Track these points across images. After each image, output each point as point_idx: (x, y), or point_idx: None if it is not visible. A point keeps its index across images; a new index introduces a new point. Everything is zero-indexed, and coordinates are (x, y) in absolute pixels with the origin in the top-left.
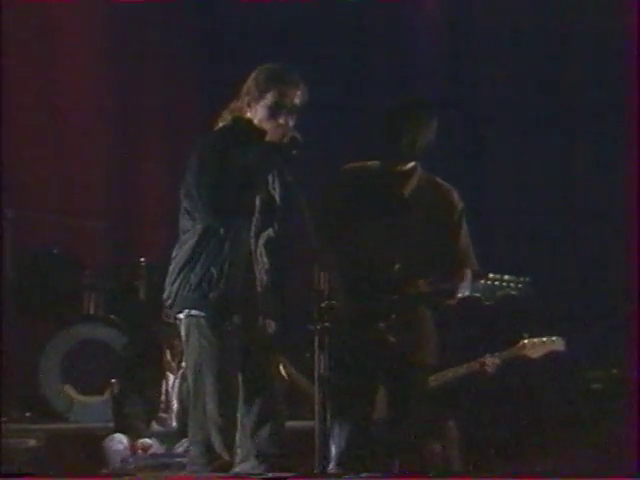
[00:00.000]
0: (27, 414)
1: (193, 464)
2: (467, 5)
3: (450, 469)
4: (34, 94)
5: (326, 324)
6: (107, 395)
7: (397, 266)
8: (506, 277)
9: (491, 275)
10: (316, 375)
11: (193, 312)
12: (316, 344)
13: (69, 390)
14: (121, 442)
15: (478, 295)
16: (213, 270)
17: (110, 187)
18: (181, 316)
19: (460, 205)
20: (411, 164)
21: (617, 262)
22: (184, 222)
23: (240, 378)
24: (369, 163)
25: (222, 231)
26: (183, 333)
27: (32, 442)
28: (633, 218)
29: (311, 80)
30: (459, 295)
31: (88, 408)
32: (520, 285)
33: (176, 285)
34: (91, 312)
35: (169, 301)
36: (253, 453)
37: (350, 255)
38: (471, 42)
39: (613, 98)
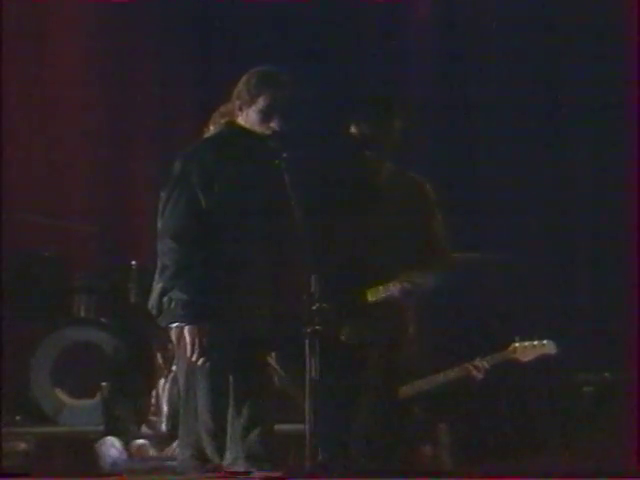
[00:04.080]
0: (17, 417)
1: (183, 468)
2: (463, 3)
3: (441, 471)
4: (27, 96)
5: (317, 327)
6: (98, 398)
7: (372, 261)
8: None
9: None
10: (307, 378)
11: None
12: (307, 347)
13: (59, 393)
14: (113, 445)
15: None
16: (202, 279)
17: (102, 189)
18: (172, 326)
19: (431, 197)
20: (381, 157)
21: (615, 263)
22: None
23: (230, 382)
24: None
25: (210, 238)
26: (174, 339)
27: (22, 445)
28: (632, 218)
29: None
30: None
31: (78, 411)
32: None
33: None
34: (82, 315)
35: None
36: (242, 456)
37: (329, 254)
38: (467, 40)
39: (613, 96)
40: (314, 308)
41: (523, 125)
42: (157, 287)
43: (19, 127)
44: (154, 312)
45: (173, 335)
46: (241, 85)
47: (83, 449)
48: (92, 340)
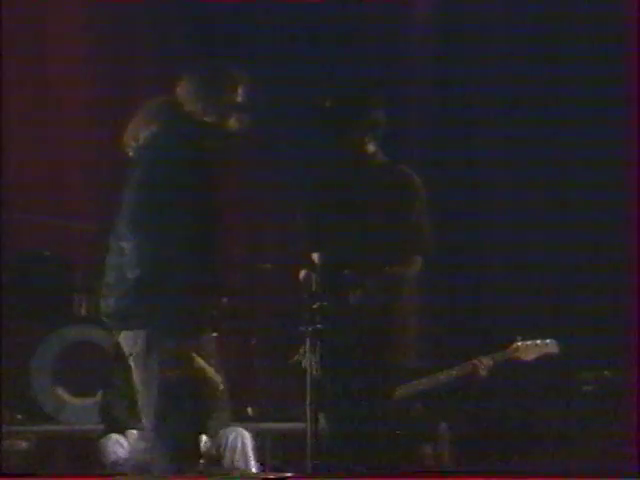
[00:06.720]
0: (18, 416)
1: (162, 470)
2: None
3: (441, 471)
4: (27, 95)
5: (317, 326)
6: (98, 397)
7: (356, 255)
8: None
9: None
10: (307, 376)
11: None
12: (307, 346)
13: (60, 392)
14: (118, 443)
15: None
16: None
17: (102, 189)
18: (125, 331)
19: (415, 187)
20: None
21: (615, 263)
22: (121, 227)
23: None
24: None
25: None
26: (127, 345)
27: (23, 444)
28: (633, 217)
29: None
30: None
31: (79, 410)
32: None
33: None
34: (82, 314)
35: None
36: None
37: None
38: (464, 39)
39: (613, 94)
40: (315, 307)
41: (522, 124)
42: (114, 291)
43: (19, 127)
44: (107, 317)
45: (123, 341)
46: (193, 83)
47: (84, 448)
48: (93, 339)
